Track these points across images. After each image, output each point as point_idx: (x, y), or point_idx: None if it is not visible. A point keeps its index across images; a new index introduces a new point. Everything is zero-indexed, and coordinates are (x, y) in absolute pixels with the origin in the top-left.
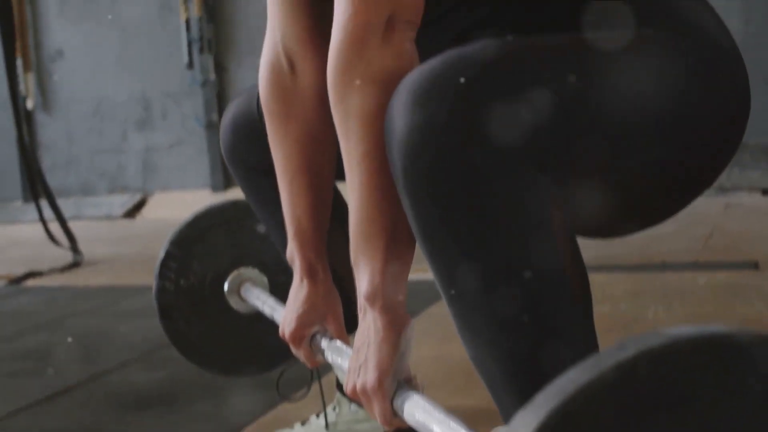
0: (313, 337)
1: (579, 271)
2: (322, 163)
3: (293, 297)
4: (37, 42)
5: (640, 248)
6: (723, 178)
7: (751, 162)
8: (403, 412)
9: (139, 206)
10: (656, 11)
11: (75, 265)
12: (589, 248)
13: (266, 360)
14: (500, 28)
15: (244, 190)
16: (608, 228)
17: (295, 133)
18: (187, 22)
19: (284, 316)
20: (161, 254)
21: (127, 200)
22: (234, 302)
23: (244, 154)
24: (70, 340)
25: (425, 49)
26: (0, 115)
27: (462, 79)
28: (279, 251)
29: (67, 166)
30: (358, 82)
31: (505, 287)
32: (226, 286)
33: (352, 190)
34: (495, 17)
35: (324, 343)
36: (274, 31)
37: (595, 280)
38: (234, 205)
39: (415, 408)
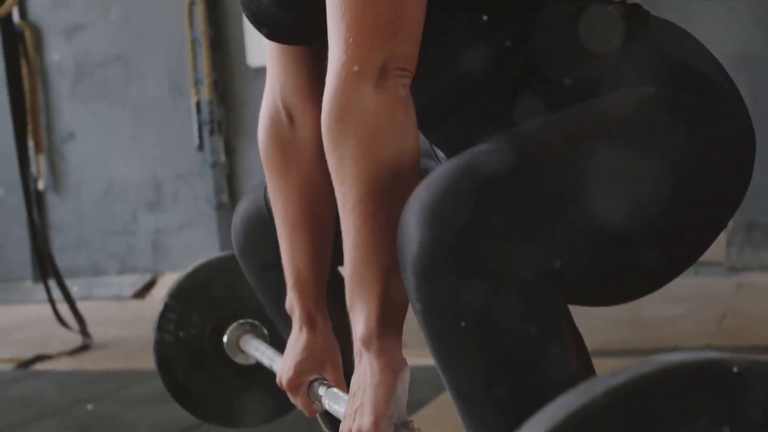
0: (310, 385)
1: (583, 363)
2: (322, 214)
3: (291, 345)
4: (49, 124)
5: (652, 331)
6: (734, 258)
7: (763, 241)
8: None
9: (148, 287)
10: (655, 59)
11: (84, 348)
12: (599, 333)
13: (267, 411)
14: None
15: (255, 285)
16: (610, 297)
17: (294, 183)
18: (198, 104)
19: (282, 364)
20: (160, 306)
21: (136, 281)
22: (233, 354)
23: (256, 252)
24: None
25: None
26: (12, 196)
27: (469, 199)
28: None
29: (78, 246)
30: (352, 128)
31: (517, 407)
32: (225, 338)
33: (347, 234)
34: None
35: (321, 391)
36: (273, 85)
37: (605, 366)
38: (234, 257)
39: None
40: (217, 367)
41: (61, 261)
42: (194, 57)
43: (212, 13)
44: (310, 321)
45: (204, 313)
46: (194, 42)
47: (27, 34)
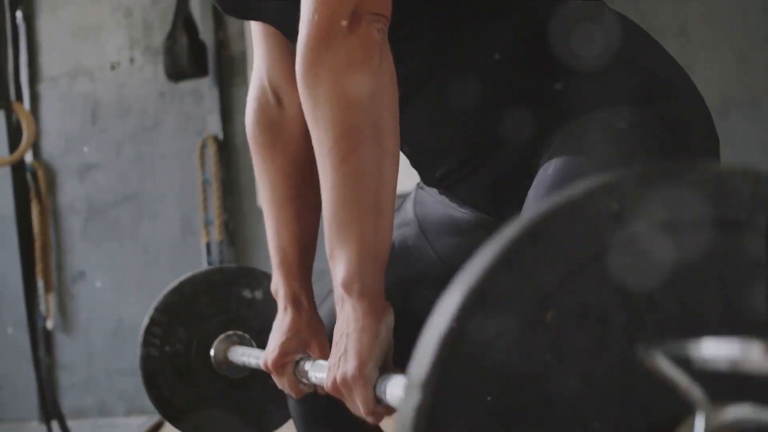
0: (296, 364)
1: None
2: (308, 194)
3: (277, 326)
4: (60, 262)
5: None
6: None
7: None
8: (385, 394)
9: (156, 428)
10: (625, 72)
11: None
12: None
13: (257, 426)
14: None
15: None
16: None
17: (281, 163)
18: (208, 245)
19: (267, 346)
20: (145, 321)
21: (144, 422)
22: (221, 367)
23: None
24: None
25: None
26: (21, 335)
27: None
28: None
29: (86, 386)
30: (325, 71)
31: None
32: (212, 351)
33: (324, 180)
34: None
35: (307, 366)
36: (259, 68)
37: None
38: (220, 270)
39: (399, 387)
40: (205, 382)
41: (69, 401)
42: (205, 198)
43: (223, 155)
44: (295, 301)
45: (190, 327)
46: (205, 183)
47: (40, 173)
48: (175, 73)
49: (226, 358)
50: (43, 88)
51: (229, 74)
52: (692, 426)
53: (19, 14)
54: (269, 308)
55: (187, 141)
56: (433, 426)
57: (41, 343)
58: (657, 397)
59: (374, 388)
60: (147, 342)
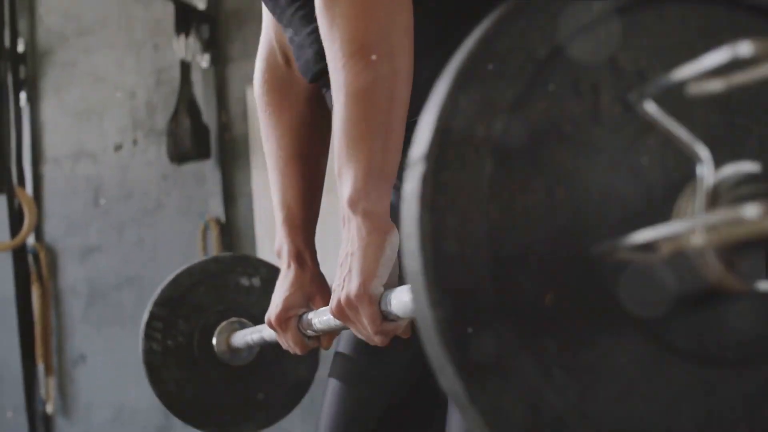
0: (300, 318)
1: None
2: (315, 152)
3: (280, 283)
4: (60, 346)
5: None
6: None
7: None
8: (391, 306)
9: None
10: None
11: None
12: None
13: (263, 416)
14: None
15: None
16: None
17: (288, 121)
18: None
19: (271, 303)
20: (145, 316)
21: None
22: (224, 356)
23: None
24: None
25: None
26: (20, 419)
27: None
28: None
29: None
30: None
31: None
32: (214, 340)
33: (336, 95)
34: None
35: (311, 315)
36: (267, 29)
37: None
38: (215, 260)
39: (406, 294)
40: (210, 372)
41: None
42: None
43: (226, 237)
44: (299, 258)
45: (190, 319)
46: None
47: (42, 255)
48: (178, 155)
49: (228, 345)
50: (47, 170)
51: (232, 157)
52: (695, 187)
53: (23, 96)
54: (268, 294)
55: (189, 223)
56: (437, 192)
57: (41, 428)
58: (656, 163)
59: (379, 304)
60: (149, 336)
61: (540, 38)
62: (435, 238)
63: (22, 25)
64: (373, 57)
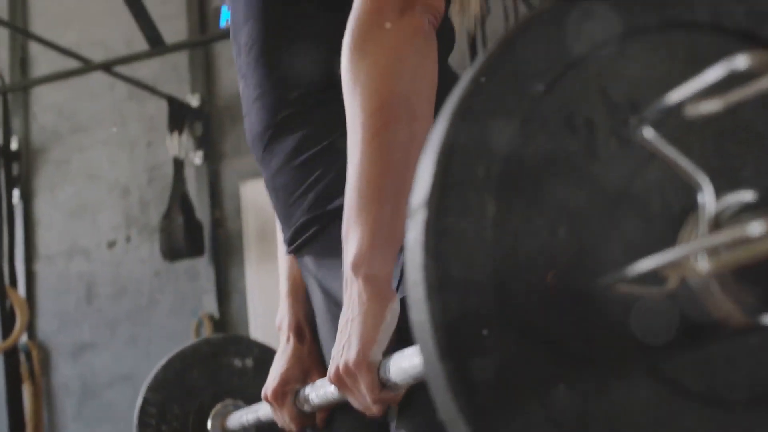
0: (297, 393)
1: None
2: None
3: (278, 357)
4: None
5: None
6: None
7: None
8: (390, 373)
9: None
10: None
11: None
12: None
13: None
14: None
15: None
16: None
17: None
18: None
19: (268, 377)
20: (139, 401)
21: None
22: None
23: None
24: None
25: None
26: None
27: None
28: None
29: None
30: (371, 47)
31: None
32: (209, 423)
33: (352, 155)
34: None
35: (308, 389)
36: None
37: None
38: (207, 342)
39: (404, 361)
40: None
41: None
42: None
43: (219, 333)
44: (298, 331)
45: (184, 403)
46: None
47: (34, 353)
48: (171, 252)
49: (224, 428)
50: (40, 267)
51: (225, 253)
52: (697, 217)
53: (16, 194)
54: (261, 375)
55: (182, 320)
56: (441, 239)
57: None
58: (656, 195)
59: (378, 371)
60: (143, 423)
61: (532, 75)
62: (441, 285)
63: (16, 122)
64: (394, 119)
